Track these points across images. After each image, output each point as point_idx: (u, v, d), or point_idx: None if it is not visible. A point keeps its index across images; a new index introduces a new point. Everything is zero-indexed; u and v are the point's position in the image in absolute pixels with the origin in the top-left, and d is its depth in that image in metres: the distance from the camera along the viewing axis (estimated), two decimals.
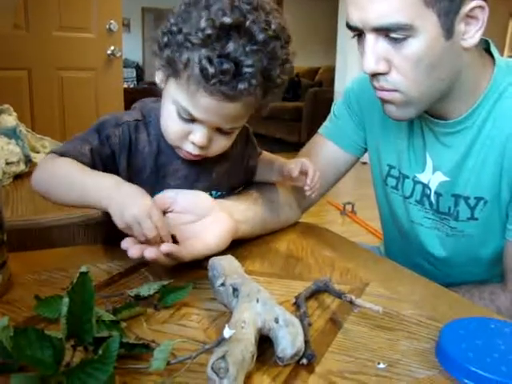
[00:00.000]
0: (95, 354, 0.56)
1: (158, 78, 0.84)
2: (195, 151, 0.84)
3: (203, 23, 0.73)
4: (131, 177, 0.86)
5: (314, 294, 0.75)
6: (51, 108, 2.93)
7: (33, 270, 0.81)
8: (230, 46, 0.73)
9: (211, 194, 0.93)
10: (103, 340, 0.53)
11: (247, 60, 0.74)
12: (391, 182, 1.07)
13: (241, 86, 0.74)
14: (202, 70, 0.73)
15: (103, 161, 0.86)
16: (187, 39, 0.74)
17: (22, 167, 1.32)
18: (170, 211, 0.83)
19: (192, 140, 0.82)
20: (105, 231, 0.98)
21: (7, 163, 1.25)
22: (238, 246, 0.89)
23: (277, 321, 0.59)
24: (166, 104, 0.84)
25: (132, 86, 8.86)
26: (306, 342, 0.59)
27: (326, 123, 1.16)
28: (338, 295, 0.71)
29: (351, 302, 0.68)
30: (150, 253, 0.73)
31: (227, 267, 0.71)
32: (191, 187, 0.90)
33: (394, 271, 0.90)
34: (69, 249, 0.93)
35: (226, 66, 0.73)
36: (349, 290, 0.77)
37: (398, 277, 0.86)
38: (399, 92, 0.85)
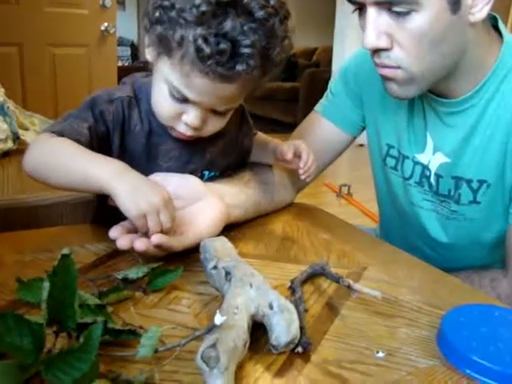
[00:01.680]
0: (79, 341, 0.53)
1: (149, 55, 0.79)
2: (188, 132, 0.80)
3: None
4: (123, 157, 0.79)
5: (310, 277, 0.72)
6: (43, 85, 2.86)
7: (17, 250, 0.78)
8: (228, 24, 0.69)
9: (203, 175, 0.89)
10: (87, 326, 0.50)
11: (245, 39, 0.69)
12: (390, 162, 1.03)
13: (238, 67, 0.70)
14: (197, 49, 0.69)
15: (99, 139, 0.80)
16: (181, 16, 0.70)
17: (9, 144, 1.28)
18: None
19: (185, 121, 0.79)
20: (94, 211, 0.95)
21: None
22: (231, 227, 0.86)
23: (271, 306, 0.56)
24: (157, 82, 0.79)
25: (127, 64, 8.77)
26: (302, 328, 0.56)
27: (322, 101, 1.12)
28: (336, 279, 0.68)
29: (349, 287, 0.65)
30: (141, 245, 0.68)
31: (220, 249, 0.68)
32: (184, 168, 0.86)
33: (393, 254, 0.87)
34: (56, 229, 0.90)
35: (222, 45, 0.68)
36: (346, 274, 0.74)
37: (396, 260, 0.84)
38: (401, 69, 0.81)
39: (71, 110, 0.82)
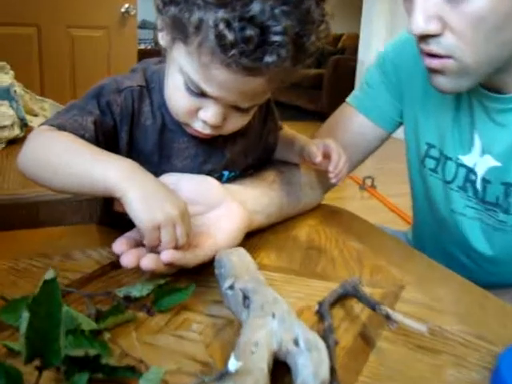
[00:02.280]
0: (67, 376, 0.45)
1: (162, 40, 0.68)
2: (206, 130, 0.70)
3: None
4: (131, 156, 0.69)
5: (341, 298, 0.63)
6: (61, 68, 2.80)
7: (11, 255, 0.70)
8: (255, 7, 0.57)
9: (222, 175, 0.80)
10: (78, 359, 0.42)
11: (276, 25, 0.58)
12: (430, 163, 0.93)
13: (267, 58, 0.59)
14: (218, 36, 0.58)
15: (105, 135, 0.71)
16: None
17: (16, 131, 1.20)
18: None
19: (202, 118, 0.68)
20: (100, 210, 0.86)
21: None
22: (249, 234, 0.76)
23: (296, 343, 0.47)
24: (171, 72, 0.69)
25: (150, 47, 8.67)
26: (332, 370, 0.47)
27: (355, 92, 1.02)
28: (372, 306, 0.58)
29: (388, 317, 0.55)
30: (149, 263, 0.58)
31: (237, 265, 0.59)
32: (200, 168, 0.76)
33: (431, 270, 0.77)
34: (57, 229, 0.81)
35: (249, 32, 0.57)
36: (381, 294, 0.65)
37: (436, 277, 0.74)
38: (453, 58, 0.71)
39: (75, 101, 0.72)
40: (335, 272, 0.72)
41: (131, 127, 0.73)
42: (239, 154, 0.81)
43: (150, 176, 0.61)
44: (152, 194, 0.59)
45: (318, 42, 0.65)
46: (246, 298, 0.53)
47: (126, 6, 2.89)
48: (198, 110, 0.68)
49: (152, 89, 0.75)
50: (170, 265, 0.60)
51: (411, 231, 1.18)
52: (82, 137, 0.66)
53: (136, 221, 0.58)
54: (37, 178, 0.66)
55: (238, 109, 0.68)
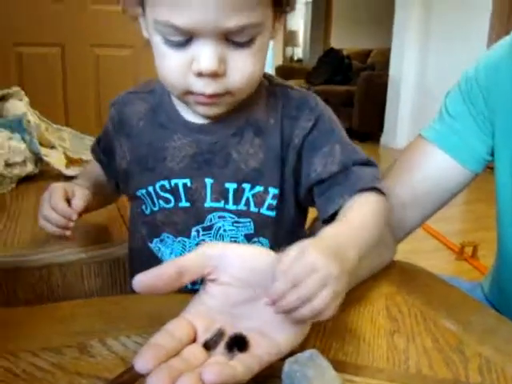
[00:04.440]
0: None
1: (132, 15, 0.64)
2: (209, 88, 0.59)
3: None
4: (131, 167, 0.71)
5: None
6: (85, 88, 2.68)
7: (9, 347, 0.53)
8: None
9: (243, 190, 0.66)
10: None
11: None
12: None
13: None
14: None
15: (105, 153, 0.78)
16: None
17: (29, 168, 1.05)
18: (213, 280, 0.51)
19: (198, 69, 0.58)
20: (129, 271, 0.70)
21: (7, 164, 0.97)
22: None
23: None
24: (153, 43, 0.62)
25: None
26: None
27: (433, 124, 0.83)
28: None
29: None
30: None
31: (317, 381, 0.42)
32: (201, 172, 0.65)
33: None
34: (70, 305, 0.64)
35: None
36: None
37: None
38: None
39: None
40: (433, 371, 0.54)
41: (125, 135, 0.72)
42: (254, 157, 0.67)
43: None
44: None
45: None
46: None
47: None
48: (190, 64, 0.59)
49: (153, 91, 0.72)
50: None
51: (488, 282, 0.99)
52: (97, 159, 0.81)
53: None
54: None
55: (233, 43, 0.58)
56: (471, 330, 0.62)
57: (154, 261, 0.71)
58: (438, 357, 0.57)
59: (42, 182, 1.07)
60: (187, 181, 0.66)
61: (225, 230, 0.68)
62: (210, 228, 0.68)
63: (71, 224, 0.71)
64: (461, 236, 2.98)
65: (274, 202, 0.68)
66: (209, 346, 0.46)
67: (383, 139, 5.79)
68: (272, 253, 0.52)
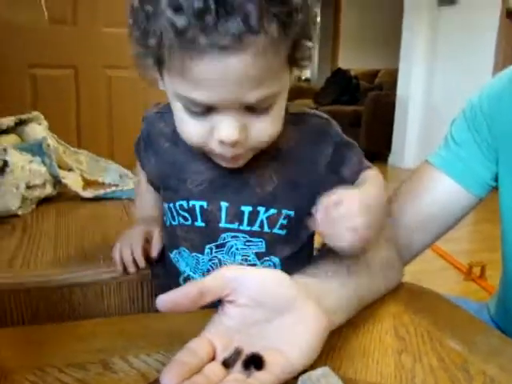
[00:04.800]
0: None
1: (156, 80, 0.64)
2: (228, 152, 0.61)
3: None
4: (157, 182, 0.80)
5: None
6: (98, 110, 2.73)
7: (35, 364, 0.56)
8: None
9: (258, 212, 0.68)
10: None
11: None
12: None
13: (231, 25, 0.50)
14: (171, 23, 0.51)
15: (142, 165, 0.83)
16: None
17: (48, 190, 1.09)
18: (231, 301, 0.53)
19: (219, 138, 0.59)
20: (156, 289, 0.73)
21: (29, 187, 1.01)
22: None
23: None
24: (172, 104, 0.63)
25: None
26: None
27: (439, 150, 0.86)
28: None
29: None
30: None
31: None
32: (218, 196, 0.69)
33: None
34: (91, 324, 0.67)
35: (199, 3, 0.49)
36: None
37: None
38: None
39: None
40: None
41: (152, 151, 0.76)
42: (279, 182, 0.70)
43: None
44: None
45: None
46: None
47: None
48: (211, 132, 0.60)
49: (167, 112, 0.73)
50: None
51: (494, 302, 1.01)
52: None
53: None
54: None
55: (251, 110, 0.58)
56: (476, 350, 0.64)
57: (173, 268, 0.78)
58: (443, 375, 0.59)
59: (60, 204, 1.11)
60: (204, 203, 0.70)
61: (237, 249, 0.71)
62: (222, 245, 0.71)
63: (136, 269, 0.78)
64: (469, 256, 2.99)
65: (286, 222, 0.71)
66: (228, 363, 0.49)
67: (391, 159, 5.82)
68: (286, 276, 0.56)
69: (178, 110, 0.61)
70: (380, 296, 0.74)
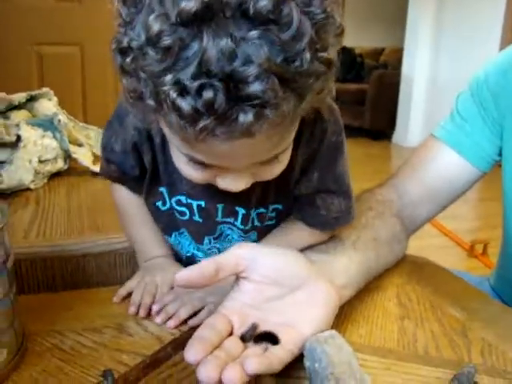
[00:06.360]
0: None
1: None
2: (234, 190, 0.55)
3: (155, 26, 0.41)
4: (151, 175, 0.68)
5: None
6: (103, 87, 2.74)
7: (55, 328, 0.59)
8: (210, 50, 0.40)
9: (250, 214, 0.68)
10: None
11: (248, 66, 0.40)
12: None
13: (243, 119, 0.42)
14: (176, 110, 0.42)
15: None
16: (138, 61, 0.44)
17: (59, 164, 1.11)
18: (244, 277, 0.54)
19: (224, 188, 0.55)
20: None
21: (41, 161, 1.03)
22: None
23: None
24: (172, 151, 0.56)
25: None
26: None
27: (445, 124, 0.87)
28: None
29: None
30: (234, 376, 0.45)
31: (336, 360, 0.47)
32: (215, 199, 0.65)
33: None
34: (106, 291, 0.70)
35: (208, 93, 0.41)
36: None
37: None
38: None
39: None
40: (439, 352, 0.59)
41: (148, 146, 0.66)
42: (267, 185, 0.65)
43: None
44: None
45: (323, 54, 0.45)
46: None
47: None
48: (215, 177, 0.54)
49: None
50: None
51: (496, 277, 1.03)
52: None
53: None
54: None
55: (260, 163, 0.52)
56: (475, 318, 0.67)
57: (174, 254, 0.76)
58: (443, 340, 0.62)
59: (71, 178, 1.13)
60: (202, 202, 0.67)
61: (233, 238, 0.71)
62: (219, 236, 0.71)
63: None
64: (472, 234, 3.01)
65: (274, 214, 0.70)
66: (245, 338, 0.51)
67: (395, 137, 5.81)
68: (300, 254, 0.59)
69: (179, 156, 0.54)
70: (387, 268, 0.76)
